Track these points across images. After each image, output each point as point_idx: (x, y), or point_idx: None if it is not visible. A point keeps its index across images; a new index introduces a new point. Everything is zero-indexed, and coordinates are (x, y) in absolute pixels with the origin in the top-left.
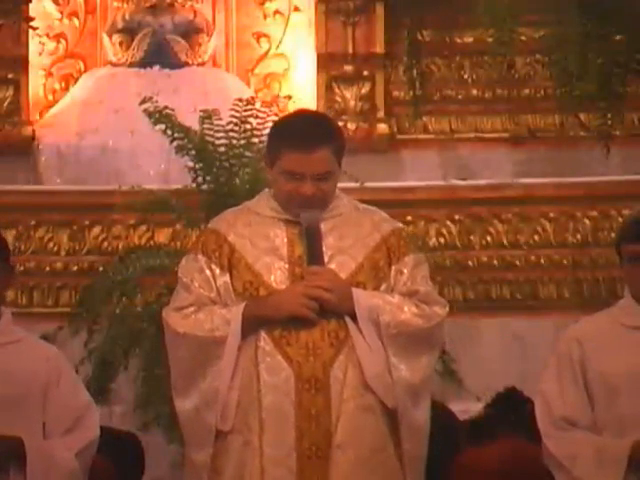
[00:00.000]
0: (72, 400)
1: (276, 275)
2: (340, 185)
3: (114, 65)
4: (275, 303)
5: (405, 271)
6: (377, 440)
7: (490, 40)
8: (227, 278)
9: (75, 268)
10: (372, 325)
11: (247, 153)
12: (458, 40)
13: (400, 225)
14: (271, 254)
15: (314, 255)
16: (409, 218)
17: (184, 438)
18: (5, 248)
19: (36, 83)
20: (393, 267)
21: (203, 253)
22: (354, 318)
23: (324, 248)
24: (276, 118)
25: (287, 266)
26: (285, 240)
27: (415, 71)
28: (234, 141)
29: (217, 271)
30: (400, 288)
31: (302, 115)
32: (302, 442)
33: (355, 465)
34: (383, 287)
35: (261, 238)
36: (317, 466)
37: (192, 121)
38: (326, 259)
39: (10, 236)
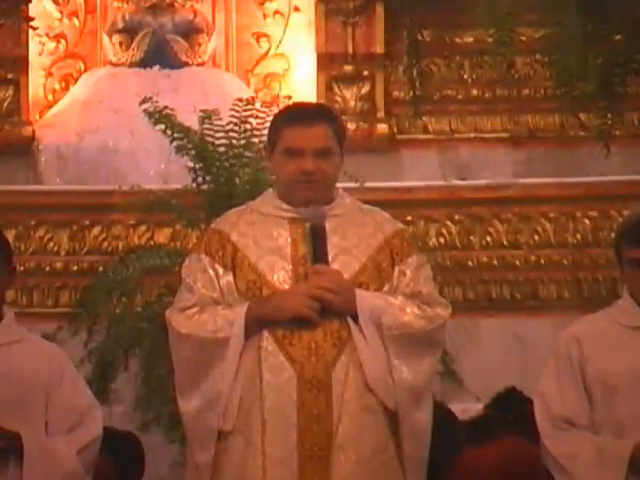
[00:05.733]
0: (74, 399)
1: (279, 275)
2: (340, 185)
3: (114, 65)
4: (277, 303)
5: (408, 272)
6: (378, 441)
7: (490, 40)
8: (230, 278)
9: (75, 268)
10: (374, 326)
11: (247, 153)
12: (458, 40)
13: (402, 226)
14: (274, 254)
15: (319, 254)
16: (409, 218)
17: (187, 438)
18: (7, 248)
19: (36, 83)
20: (396, 268)
21: (206, 253)
22: (356, 319)
23: (328, 247)
24: None
25: (290, 266)
26: (289, 240)
27: (415, 71)
28: (234, 141)
29: (220, 271)
30: (403, 289)
31: (299, 102)
32: (304, 442)
33: (356, 466)
34: (386, 288)
35: (264, 237)
36: (318, 466)
37: (192, 121)
38: (330, 258)
39: (10, 236)
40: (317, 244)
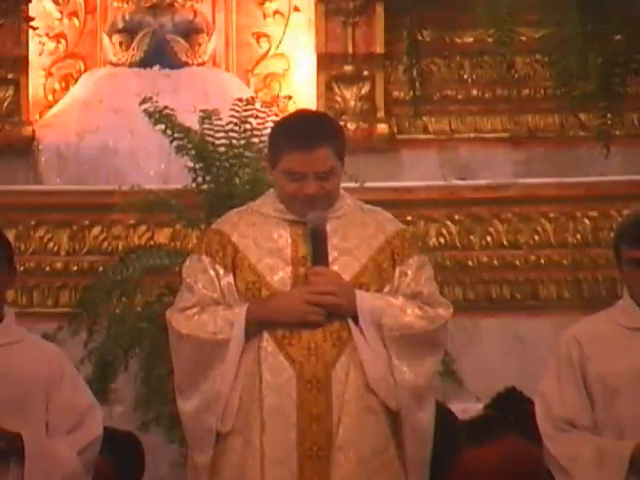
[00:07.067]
0: (75, 400)
1: (279, 276)
2: (340, 185)
3: (114, 65)
4: (281, 308)
5: (409, 273)
6: (379, 441)
7: (490, 40)
8: (231, 278)
9: (75, 268)
10: (374, 327)
11: (247, 153)
12: (458, 40)
13: (404, 226)
14: (274, 255)
15: (319, 256)
16: (409, 218)
17: (186, 439)
18: (8, 248)
19: (36, 83)
20: (397, 269)
21: (207, 253)
22: (357, 320)
23: (329, 249)
24: (276, 118)
25: (290, 267)
26: (289, 241)
27: (415, 71)
28: (234, 141)
29: (221, 271)
30: (404, 290)
31: (302, 115)
32: (303, 442)
33: (356, 466)
34: (387, 289)
35: (265, 239)
36: (318, 467)
37: (192, 121)
38: (330, 260)
39: (10, 236)
40: (317, 246)
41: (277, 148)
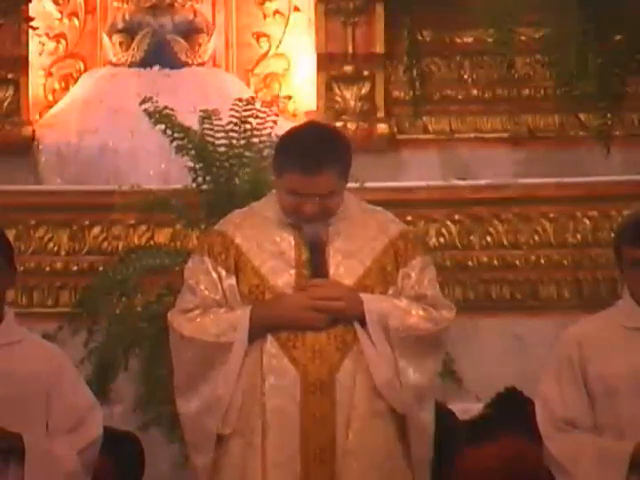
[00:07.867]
0: (75, 400)
1: (282, 279)
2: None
3: (114, 65)
4: (284, 313)
5: (412, 274)
6: (388, 446)
7: (490, 40)
8: (233, 281)
9: (75, 268)
10: (381, 329)
11: (247, 153)
12: (458, 40)
13: (407, 227)
14: (278, 258)
15: (317, 269)
16: (409, 218)
17: (185, 440)
18: (8, 248)
19: (36, 83)
20: (400, 270)
21: (209, 255)
22: (362, 323)
23: (331, 252)
24: (276, 118)
25: (294, 270)
26: (292, 243)
27: (415, 71)
28: (234, 141)
29: (223, 273)
30: (408, 292)
31: (309, 132)
32: (307, 445)
33: (365, 471)
34: (391, 291)
35: (268, 241)
36: (321, 470)
37: (192, 121)
38: (334, 262)
39: (10, 236)
40: (315, 259)
41: (281, 162)
